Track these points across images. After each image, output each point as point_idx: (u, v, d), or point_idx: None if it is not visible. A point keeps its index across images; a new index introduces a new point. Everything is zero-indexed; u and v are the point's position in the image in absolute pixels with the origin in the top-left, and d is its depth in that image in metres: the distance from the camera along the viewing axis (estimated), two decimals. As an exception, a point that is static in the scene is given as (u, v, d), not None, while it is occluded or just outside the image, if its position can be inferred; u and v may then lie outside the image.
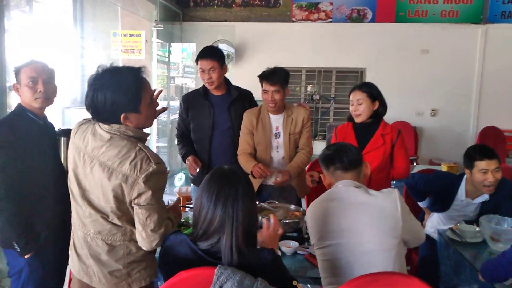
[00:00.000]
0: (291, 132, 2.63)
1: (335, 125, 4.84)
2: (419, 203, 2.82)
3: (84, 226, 1.55)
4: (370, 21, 5.93)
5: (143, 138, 1.54)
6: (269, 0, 6.10)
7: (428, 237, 2.39)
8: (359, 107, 2.47)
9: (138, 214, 1.47)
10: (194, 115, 2.80)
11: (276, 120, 2.67)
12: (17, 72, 1.96)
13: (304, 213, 2.27)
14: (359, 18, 5.95)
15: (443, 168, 3.96)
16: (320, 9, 6.02)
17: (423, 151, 6.02)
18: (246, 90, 2.90)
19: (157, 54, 5.76)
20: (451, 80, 5.83)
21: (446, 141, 5.96)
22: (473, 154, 2.36)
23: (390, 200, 1.62)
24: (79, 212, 1.56)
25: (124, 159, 1.44)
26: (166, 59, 6.13)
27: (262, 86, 2.60)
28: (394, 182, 3.15)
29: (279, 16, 6.10)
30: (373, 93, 2.48)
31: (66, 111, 5.01)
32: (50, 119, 2.18)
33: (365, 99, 2.46)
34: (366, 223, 1.60)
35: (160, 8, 5.33)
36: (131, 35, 5.54)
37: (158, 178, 1.47)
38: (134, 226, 1.53)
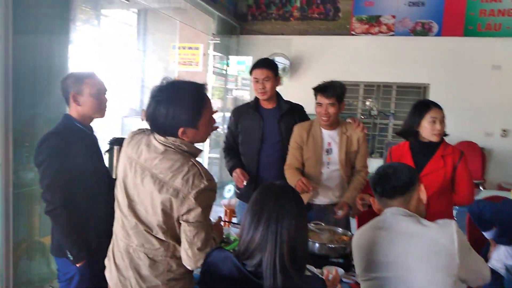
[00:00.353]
0: (347, 150, 2.53)
1: (394, 142, 4.59)
2: (484, 233, 2.55)
3: (128, 236, 1.54)
4: (435, 35, 5.61)
5: (196, 153, 1.52)
6: (328, 13, 5.99)
7: (493, 272, 2.14)
8: (443, 126, 2.30)
9: (186, 232, 1.45)
10: (244, 128, 2.78)
11: (329, 136, 2.57)
12: (79, 81, 1.97)
13: (352, 237, 2.12)
14: (424, 31, 5.65)
15: (514, 195, 3.58)
16: (381, 22, 5.81)
17: (491, 174, 5.53)
18: (297, 104, 2.84)
19: (215, 67, 5.86)
20: (526, 98, 5.33)
21: (518, 164, 5.44)
22: None
23: (446, 233, 1.43)
24: (124, 222, 1.55)
25: (177, 173, 1.42)
26: (224, 72, 6.21)
27: (316, 99, 2.52)
28: (457, 208, 2.90)
29: (337, 29, 5.96)
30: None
31: (125, 119, 5.25)
32: (109, 127, 2.22)
33: (444, 118, 2.30)
34: (416, 257, 1.43)
35: (218, 22, 5.43)
36: (190, 48, 5.70)
37: (208, 195, 1.45)
38: (178, 242, 1.50)
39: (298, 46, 5.95)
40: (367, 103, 5.91)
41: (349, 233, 2.24)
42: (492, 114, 5.47)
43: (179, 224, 1.47)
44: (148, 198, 1.46)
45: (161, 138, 1.48)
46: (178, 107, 1.41)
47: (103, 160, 2.16)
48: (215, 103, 6.28)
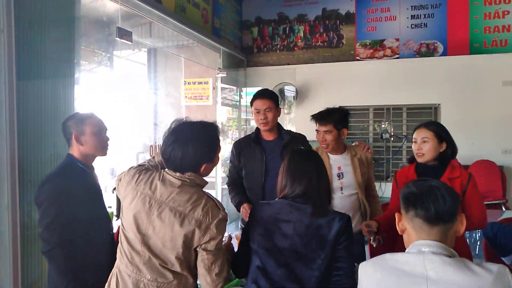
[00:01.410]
0: (361, 172, 2.52)
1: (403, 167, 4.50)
2: (502, 258, 2.43)
3: (138, 272, 1.56)
4: (441, 55, 5.58)
5: (204, 185, 1.65)
6: (332, 40, 6.07)
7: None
8: (423, 146, 2.25)
9: (204, 260, 1.54)
10: (246, 162, 2.76)
11: (337, 161, 2.55)
12: (81, 122, 2.02)
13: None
14: (429, 52, 5.64)
15: (535, 215, 3.42)
16: (385, 46, 5.83)
17: (513, 193, 5.33)
18: (298, 133, 2.83)
19: (227, 99, 5.97)
20: (542, 113, 5.19)
21: (542, 182, 5.23)
22: None
23: (502, 285, 1.18)
24: (134, 258, 1.57)
25: (196, 205, 1.52)
26: (237, 103, 6.32)
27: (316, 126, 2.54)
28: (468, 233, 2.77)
29: (342, 56, 6.01)
30: (440, 133, 2.25)
31: (140, 155, 5.34)
32: (125, 163, 2.24)
33: (431, 138, 2.23)
34: None
35: (224, 56, 5.55)
36: (199, 83, 5.82)
37: (224, 225, 1.57)
38: (190, 273, 1.57)
39: (304, 75, 6.01)
40: (383, 125, 5.85)
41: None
42: (508, 130, 5.33)
43: (195, 253, 1.56)
44: (167, 231, 1.52)
45: (178, 174, 1.57)
46: (203, 146, 1.59)
47: (102, 200, 2.17)
48: (233, 134, 6.39)
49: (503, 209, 4.73)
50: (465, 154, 4.63)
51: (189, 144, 1.56)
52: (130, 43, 3.37)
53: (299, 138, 2.80)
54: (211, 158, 1.63)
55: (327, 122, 2.46)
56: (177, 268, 1.53)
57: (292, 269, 1.59)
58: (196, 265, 1.58)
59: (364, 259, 2.56)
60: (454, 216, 1.26)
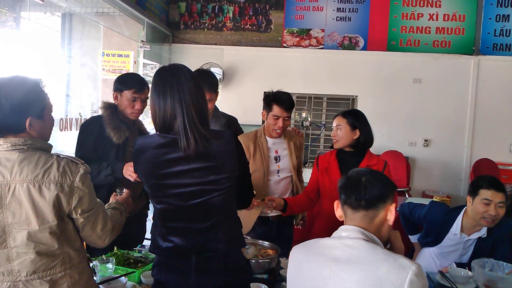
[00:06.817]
0: (296, 155, 2.60)
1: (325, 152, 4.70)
2: (410, 236, 2.66)
3: (9, 273, 1.35)
4: (362, 49, 5.87)
5: (49, 149, 1.44)
6: (260, 25, 6.05)
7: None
8: (336, 133, 2.39)
9: (84, 224, 1.42)
10: None
11: (275, 144, 2.58)
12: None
13: (278, 251, 2.07)
14: (351, 45, 5.90)
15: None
16: (311, 35, 5.97)
17: (416, 182, 5.86)
18: (231, 116, 2.82)
19: (149, 75, 5.67)
20: (444, 110, 5.73)
21: (440, 172, 5.81)
22: (480, 182, 2.22)
23: (397, 276, 1.21)
24: None
25: (48, 168, 1.34)
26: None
27: (270, 109, 2.46)
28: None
29: (270, 41, 6.04)
30: (353, 121, 2.37)
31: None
32: None
33: (344, 126, 2.37)
34: None
35: (148, 29, 5.26)
36: (119, 55, 5.46)
37: (89, 177, 1.44)
38: (71, 247, 1.41)
39: (231, 56, 5.94)
40: (303, 114, 6.01)
41: (276, 246, 2.17)
42: (414, 124, 5.81)
43: (71, 221, 1.41)
44: (29, 208, 1.32)
45: (6, 145, 1.34)
46: (23, 98, 1.36)
47: None
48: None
49: (407, 196, 5.16)
50: (376, 144, 4.95)
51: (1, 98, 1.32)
52: (41, 2, 3.01)
53: (233, 122, 2.79)
54: (37, 111, 1.39)
55: (289, 108, 2.45)
56: (54, 246, 1.35)
57: None
58: (74, 234, 1.44)
59: (291, 238, 2.67)
60: (375, 204, 1.35)
